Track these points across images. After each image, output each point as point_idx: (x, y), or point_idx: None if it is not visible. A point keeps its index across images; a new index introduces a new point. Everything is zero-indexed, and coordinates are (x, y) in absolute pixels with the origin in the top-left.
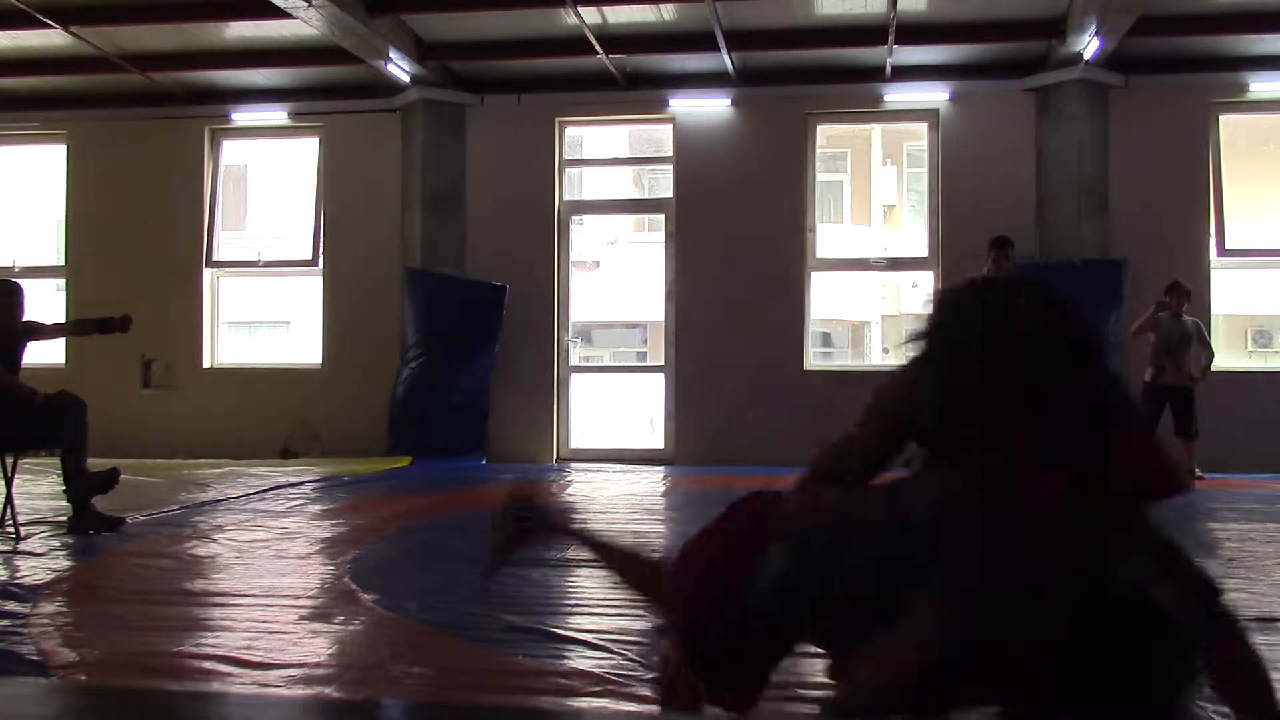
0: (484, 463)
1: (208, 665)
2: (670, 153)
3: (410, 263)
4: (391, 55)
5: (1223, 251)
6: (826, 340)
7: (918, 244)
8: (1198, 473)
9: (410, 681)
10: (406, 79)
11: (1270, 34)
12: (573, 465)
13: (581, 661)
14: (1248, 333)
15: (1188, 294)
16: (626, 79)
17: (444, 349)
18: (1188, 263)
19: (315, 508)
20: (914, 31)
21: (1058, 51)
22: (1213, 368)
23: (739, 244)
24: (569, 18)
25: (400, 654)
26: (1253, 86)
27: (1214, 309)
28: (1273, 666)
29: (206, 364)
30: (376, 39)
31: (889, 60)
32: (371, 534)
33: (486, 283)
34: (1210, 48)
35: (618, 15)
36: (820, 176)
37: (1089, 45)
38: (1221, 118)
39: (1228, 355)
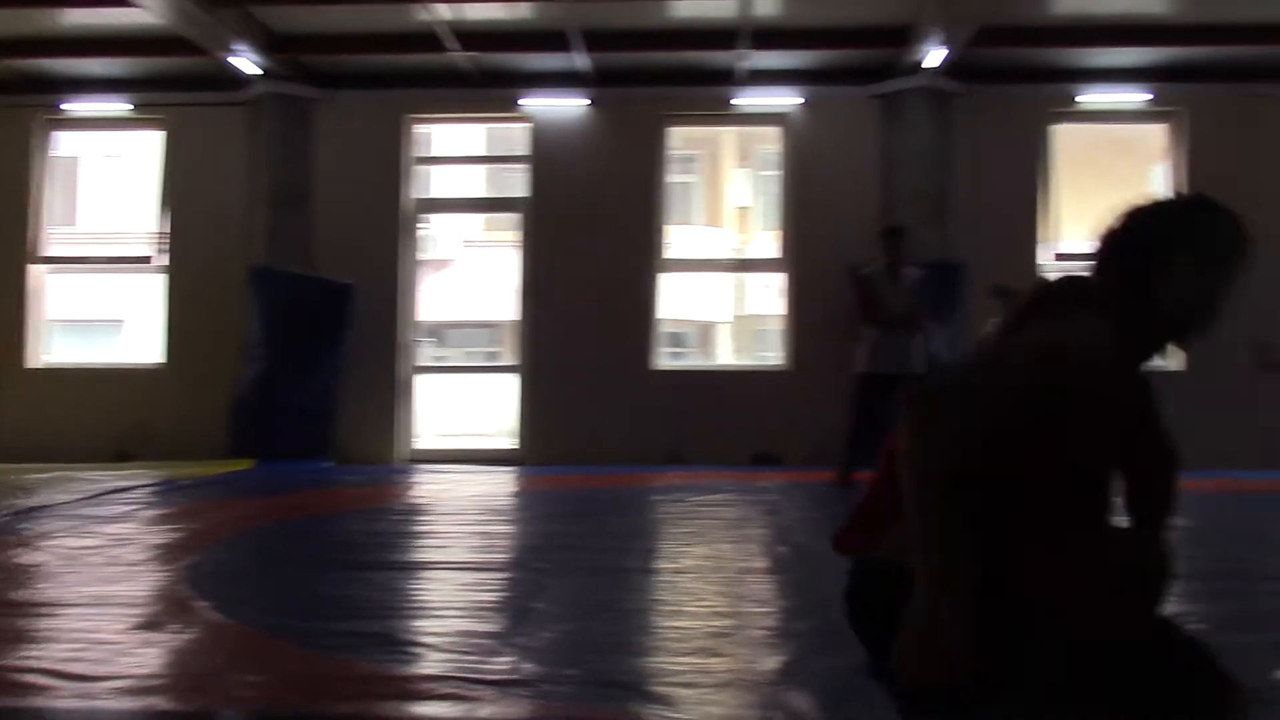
0: (331, 465)
1: (27, 679)
2: (525, 152)
3: (255, 260)
4: (238, 47)
5: (1057, 255)
6: (677, 340)
7: (769, 246)
8: None
9: (247, 691)
10: (254, 72)
11: (1099, 47)
12: (421, 466)
13: (425, 665)
14: None
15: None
16: (480, 77)
17: (290, 349)
18: (1024, 267)
19: (151, 512)
20: (766, 36)
21: (903, 60)
22: None
23: (592, 244)
24: (422, 13)
25: (236, 662)
26: (1085, 97)
27: None
28: None
29: (31, 364)
30: (221, 30)
31: (741, 64)
32: (209, 539)
33: (334, 281)
34: (1045, 59)
35: (472, 12)
36: (673, 178)
37: (932, 54)
38: (1055, 127)
39: None
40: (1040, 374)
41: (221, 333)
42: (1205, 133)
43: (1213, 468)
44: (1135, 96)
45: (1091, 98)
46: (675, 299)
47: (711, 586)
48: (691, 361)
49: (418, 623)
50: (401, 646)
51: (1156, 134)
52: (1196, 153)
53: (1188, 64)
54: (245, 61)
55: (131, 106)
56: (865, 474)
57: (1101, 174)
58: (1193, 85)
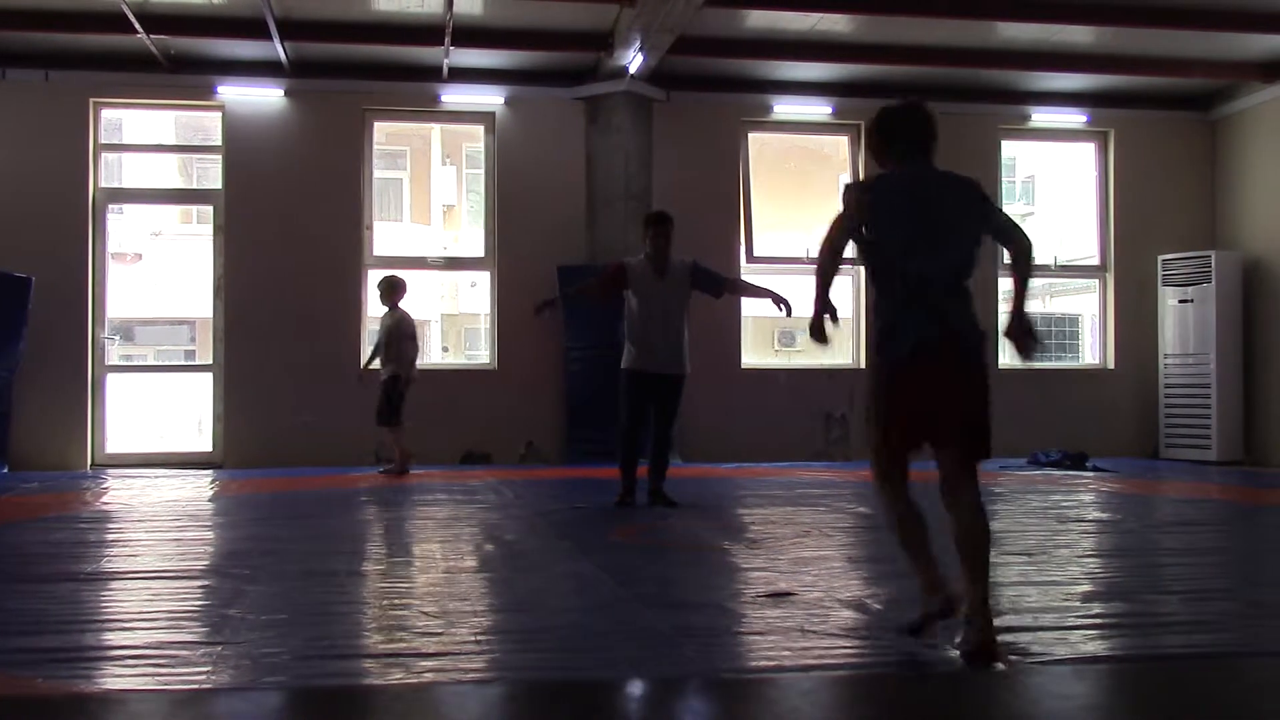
0: (4, 471)
1: None
2: (219, 142)
3: None
4: None
5: (751, 258)
6: None
7: (476, 244)
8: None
9: None
10: None
11: (790, 61)
12: (110, 471)
13: (114, 680)
14: (774, 333)
15: (393, 289)
16: (170, 61)
17: None
18: (721, 267)
19: None
20: (470, 34)
21: (606, 64)
22: (743, 364)
23: (293, 239)
24: None
25: None
26: (776, 108)
27: (744, 311)
28: (785, 635)
29: None
30: None
31: (446, 61)
32: None
33: (8, 274)
34: (741, 70)
35: None
36: (379, 174)
37: (634, 60)
38: (750, 135)
39: (756, 354)
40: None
41: None
42: None
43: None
44: (819, 109)
45: (782, 108)
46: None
47: (419, 588)
48: None
49: (106, 635)
50: (88, 661)
51: (840, 145)
52: (872, 163)
53: (866, 80)
54: None
55: None
56: (643, 469)
57: (793, 181)
58: (870, 100)
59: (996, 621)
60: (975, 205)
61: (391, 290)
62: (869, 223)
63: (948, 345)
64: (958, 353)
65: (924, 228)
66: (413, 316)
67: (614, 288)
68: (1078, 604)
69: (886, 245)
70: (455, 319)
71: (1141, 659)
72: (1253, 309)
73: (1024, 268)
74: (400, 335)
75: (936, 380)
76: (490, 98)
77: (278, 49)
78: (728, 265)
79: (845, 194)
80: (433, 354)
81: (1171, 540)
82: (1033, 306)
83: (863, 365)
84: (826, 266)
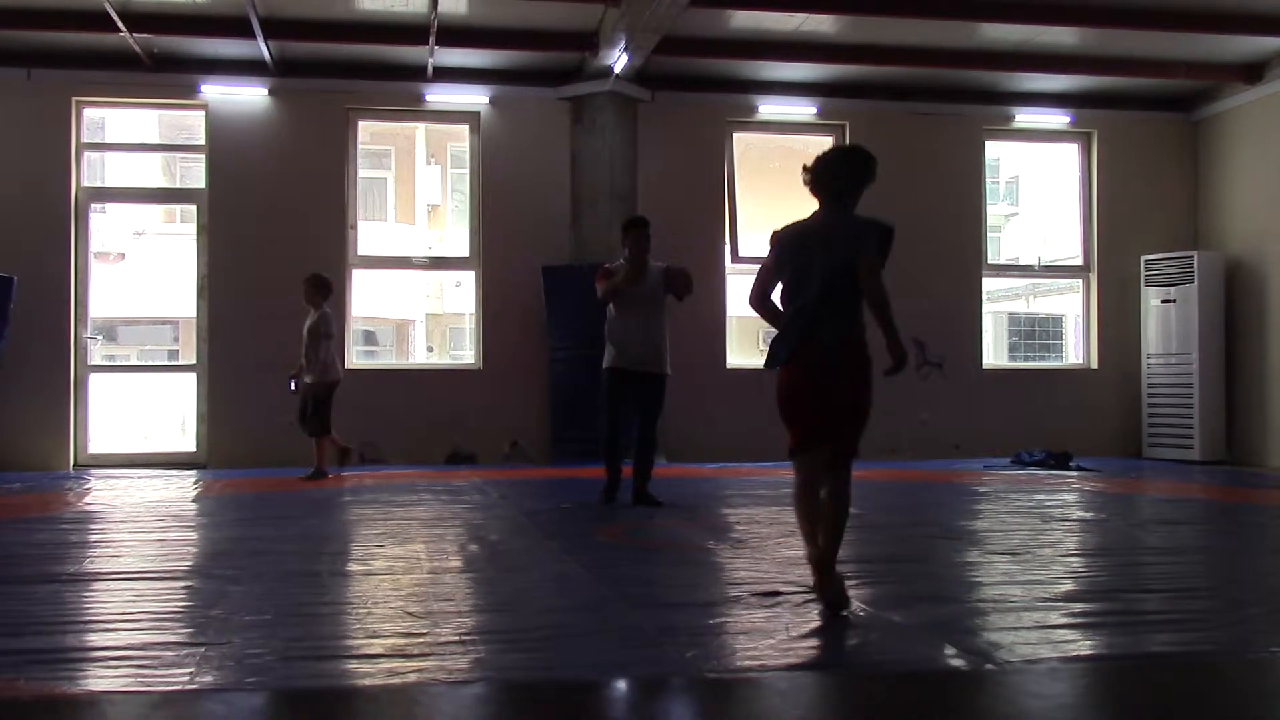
0: None
1: None
2: (202, 141)
3: None
4: None
5: (736, 258)
6: (370, 339)
7: (460, 243)
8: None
9: None
10: None
11: (775, 61)
12: (93, 471)
13: (96, 682)
14: (759, 333)
15: (318, 287)
16: (153, 60)
17: None
18: (708, 267)
19: None
20: (455, 34)
21: (591, 64)
22: (728, 365)
23: (277, 239)
24: None
25: None
26: (761, 108)
27: (729, 311)
28: (769, 634)
29: None
30: None
31: (431, 61)
32: None
33: None
34: (726, 70)
35: None
36: (363, 173)
37: (619, 60)
38: (735, 135)
39: (741, 355)
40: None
41: None
42: (864, 145)
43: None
44: (804, 109)
45: (767, 109)
46: (367, 296)
47: (403, 588)
48: (385, 360)
49: (87, 637)
50: (70, 663)
51: (825, 145)
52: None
53: (851, 81)
54: None
55: None
56: (628, 469)
57: (778, 181)
58: (854, 101)
59: (991, 618)
60: (849, 249)
61: (317, 288)
62: (778, 270)
63: (818, 358)
64: (826, 365)
65: (803, 273)
66: (330, 315)
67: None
68: (1061, 602)
69: (784, 287)
70: (440, 319)
71: (1125, 657)
72: (1235, 309)
73: (876, 314)
74: (319, 335)
75: (813, 387)
76: (475, 97)
77: (262, 48)
78: (713, 265)
79: (770, 242)
80: (417, 354)
81: (1154, 539)
82: (905, 333)
83: None
84: (761, 310)
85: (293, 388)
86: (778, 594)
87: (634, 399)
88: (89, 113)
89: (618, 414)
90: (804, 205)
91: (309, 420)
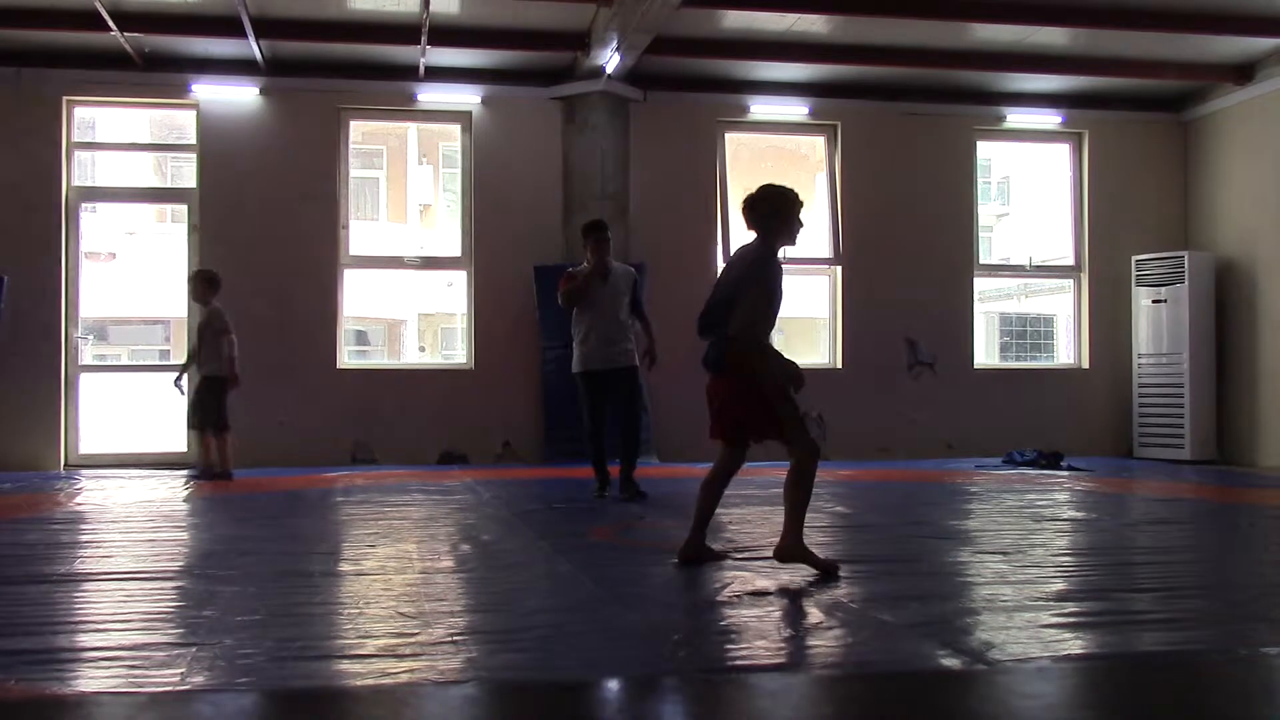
0: None
1: None
2: (193, 140)
3: None
4: None
5: (727, 258)
6: (362, 338)
7: (452, 243)
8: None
9: None
10: None
11: (767, 61)
12: (84, 471)
13: (87, 682)
14: None
15: (209, 283)
16: (144, 60)
17: None
18: (699, 267)
19: None
20: (447, 33)
21: (583, 64)
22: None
23: (269, 238)
24: None
25: None
26: (753, 108)
27: None
28: (761, 634)
29: None
30: None
31: (422, 60)
32: None
33: None
34: (718, 70)
35: None
36: (355, 173)
37: (611, 60)
38: (727, 135)
39: None
40: None
41: None
42: (856, 145)
43: (873, 459)
44: (796, 109)
45: (759, 108)
46: (360, 296)
47: (395, 588)
48: (377, 360)
49: (78, 637)
50: (61, 663)
51: (817, 145)
52: (848, 163)
53: (843, 81)
54: None
55: None
56: (615, 468)
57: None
58: (846, 101)
59: (983, 617)
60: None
61: (203, 285)
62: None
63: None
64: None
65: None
66: (223, 310)
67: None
68: (1053, 602)
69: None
70: (432, 318)
71: (1116, 657)
72: (1225, 309)
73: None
74: (213, 331)
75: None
76: (467, 97)
77: (253, 47)
78: (705, 265)
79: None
80: (410, 354)
81: (1145, 539)
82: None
83: (839, 365)
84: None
85: (180, 387)
86: (769, 593)
87: (611, 395)
88: (80, 112)
89: (597, 414)
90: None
91: (199, 415)
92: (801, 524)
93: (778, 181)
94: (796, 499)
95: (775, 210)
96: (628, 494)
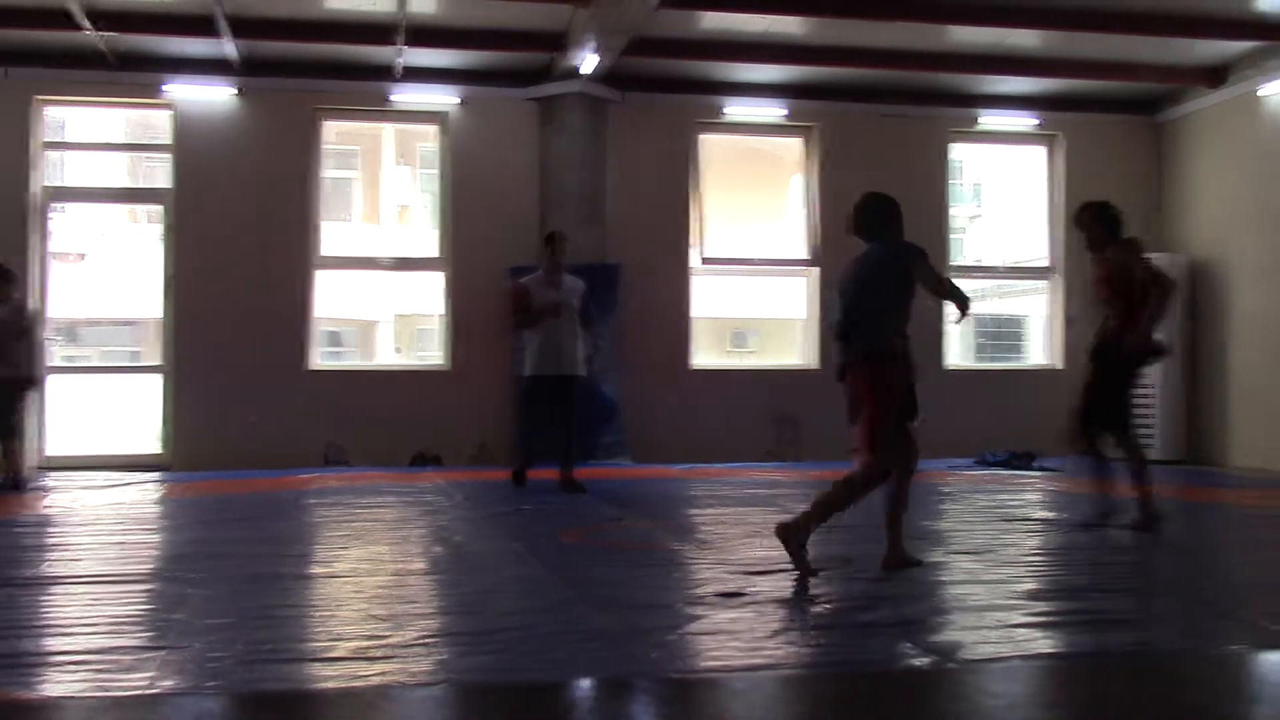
0: None
1: None
2: (168, 140)
3: None
4: None
5: (704, 259)
6: (335, 339)
7: (429, 244)
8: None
9: None
10: None
11: (744, 62)
12: (53, 474)
13: (54, 686)
14: (727, 334)
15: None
16: (118, 59)
17: None
18: (674, 268)
19: None
20: (423, 34)
21: (560, 65)
22: (693, 365)
23: (243, 239)
24: None
25: None
26: (730, 110)
27: (694, 312)
28: (733, 635)
29: None
30: None
31: (399, 60)
32: None
33: None
34: (694, 72)
35: None
36: (330, 173)
37: (588, 61)
38: (704, 136)
39: (710, 355)
40: None
41: None
42: (834, 147)
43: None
44: (773, 111)
45: (735, 110)
46: (333, 297)
47: (367, 590)
48: (351, 361)
49: (45, 641)
50: (27, 667)
51: (794, 146)
52: (826, 165)
53: (819, 82)
54: None
55: None
56: (544, 471)
57: (746, 182)
58: (823, 102)
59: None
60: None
61: (3, 280)
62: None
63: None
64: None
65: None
66: (23, 305)
67: (528, 304)
68: (1023, 601)
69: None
70: (407, 319)
71: (1086, 655)
72: (1197, 311)
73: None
74: (18, 330)
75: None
76: (443, 97)
77: (228, 47)
78: (680, 266)
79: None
80: (385, 354)
81: (1115, 538)
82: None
83: (815, 365)
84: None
85: None
86: (742, 594)
87: (558, 401)
88: (50, 111)
89: (538, 418)
90: (775, 208)
91: None
92: (816, 521)
93: (775, 181)
94: (830, 497)
95: (893, 215)
96: (571, 490)
